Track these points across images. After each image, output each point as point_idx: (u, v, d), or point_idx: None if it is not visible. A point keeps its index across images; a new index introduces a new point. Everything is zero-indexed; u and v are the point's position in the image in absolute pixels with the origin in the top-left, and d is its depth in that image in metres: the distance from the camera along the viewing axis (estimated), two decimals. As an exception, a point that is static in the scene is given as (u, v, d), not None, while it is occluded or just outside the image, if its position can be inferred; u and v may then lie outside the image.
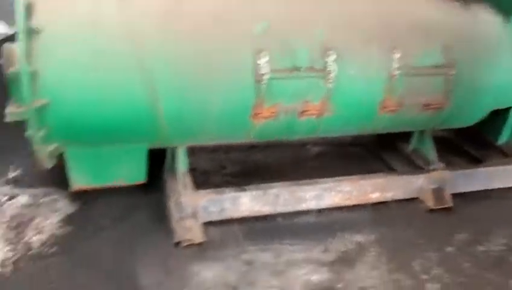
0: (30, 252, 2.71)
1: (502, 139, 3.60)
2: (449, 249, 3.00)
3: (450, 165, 3.52)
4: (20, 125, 2.48)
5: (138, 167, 2.81)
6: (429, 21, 3.10)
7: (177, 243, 2.82)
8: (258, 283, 2.63)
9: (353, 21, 2.94)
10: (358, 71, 2.85)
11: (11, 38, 3.06)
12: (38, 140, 2.43)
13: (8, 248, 2.74)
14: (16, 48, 2.34)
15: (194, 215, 2.93)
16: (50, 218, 2.98)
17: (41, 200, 3.12)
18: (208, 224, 2.97)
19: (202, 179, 3.42)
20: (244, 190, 3.05)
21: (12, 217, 2.97)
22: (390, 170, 3.70)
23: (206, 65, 2.59)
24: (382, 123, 3.11)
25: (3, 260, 2.65)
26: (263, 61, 2.64)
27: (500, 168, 3.62)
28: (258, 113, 2.77)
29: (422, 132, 3.51)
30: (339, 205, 3.24)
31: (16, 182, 3.28)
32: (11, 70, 2.35)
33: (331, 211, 3.24)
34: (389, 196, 3.33)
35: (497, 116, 3.48)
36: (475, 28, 3.19)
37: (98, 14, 2.47)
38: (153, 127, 2.62)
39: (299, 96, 2.79)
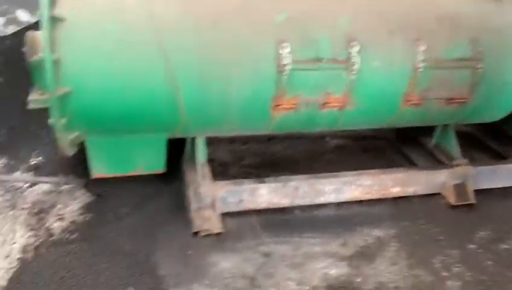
0: (51, 238, 2.76)
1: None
2: (471, 246, 2.94)
3: (472, 160, 3.44)
4: (43, 113, 2.50)
5: (158, 156, 2.82)
6: (456, 12, 3.01)
7: (195, 233, 2.83)
8: (276, 275, 2.62)
9: (377, 11, 2.88)
10: (382, 63, 2.79)
11: (34, 26, 3.10)
12: (60, 128, 2.44)
13: (29, 233, 2.79)
14: (40, 36, 2.36)
15: (213, 205, 2.93)
16: (70, 205, 3.02)
17: (61, 188, 3.16)
18: (226, 215, 2.97)
19: (220, 170, 3.42)
20: (263, 182, 3.03)
21: (34, 204, 3.02)
22: (410, 164, 3.64)
23: (227, 55, 2.57)
24: (405, 117, 3.04)
25: (25, 246, 2.70)
26: (285, 51, 2.60)
27: (525, 164, 3.52)
28: (279, 105, 2.74)
29: (445, 126, 3.44)
30: (358, 198, 3.20)
31: (37, 168, 3.33)
32: (34, 58, 2.36)
33: (351, 205, 3.20)
34: (410, 190, 3.28)
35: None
36: (503, 20, 3.09)
37: (121, 2, 2.46)
38: (173, 117, 2.61)
39: (321, 88, 2.75)
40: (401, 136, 3.89)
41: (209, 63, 2.55)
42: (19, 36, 3.43)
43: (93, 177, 2.81)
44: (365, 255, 2.82)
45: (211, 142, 3.07)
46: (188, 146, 3.12)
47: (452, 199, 3.28)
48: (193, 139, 2.98)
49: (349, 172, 3.20)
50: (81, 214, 2.96)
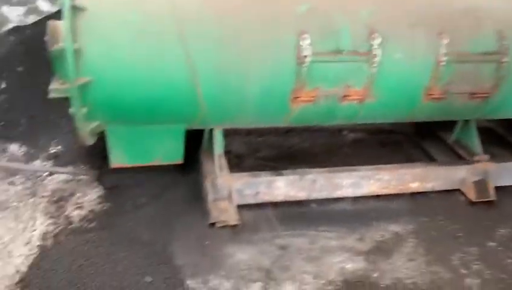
0: (70, 227, 2.79)
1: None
2: (490, 244, 2.89)
3: (492, 156, 3.36)
4: (63, 102, 2.52)
5: (176, 147, 2.82)
6: (481, 5, 2.94)
7: (212, 224, 2.84)
8: (292, 268, 2.62)
9: (400, 3, 2.83)
10: (404, 56, 2.74)
11: (54, 16, 3.12)
12: (81, 117, 2.46)
13: (49, 221, 2.83)
14: (61, 26, 2.37)
15: (229, 197, 2.93)
16: (89, 194, 3.05)
17: (80, 177, 3.18)
18: (243, 207, 2.97)
19: (236, 162, 3.42)
20: (280, 174, 3.02)
21: (54, 192, 3.06)
22: (429, 159, 3.59)
23: (247, 45, 2.55)
24: (426, 111, 2.99)
25: (45, 233, 2.74)
26: (305, 43, 2.57)
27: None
28: (297, 97, 2.71)
29: (466, 121, 3.37)
30: (376, 193, 3.17)
31: (56, 157, 3.36)
32: (55, 47, 2.37)
33: (368, 200, 3.17)
34: (429, 186, 3.23)
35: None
36: (530, 13, 3.00)
37: (142, -7, 2.46)
38: (192, 107, 2.61)
39: (341, 81, 2.71)
40: (420, 131, 3.84)
41: (229, 53, 2.54)
42: (39, 26, 3.48)
43: (112, 167, 2.82)
44: (382, 250, 2.80)
45: (227, 134, 3.07)
46: (205, 137, 3.12)
47: (472, 196, 3.22)
48: (211, 131, 2.98)
49: (368, 166, 3.17)
50: (100, 203, 2.99)
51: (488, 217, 3.13)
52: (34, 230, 2.76)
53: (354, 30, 2.68)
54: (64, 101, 2.48)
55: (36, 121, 3.54)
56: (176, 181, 3.18)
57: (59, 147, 3.43)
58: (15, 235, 2.72)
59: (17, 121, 3.54)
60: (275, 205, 3.04)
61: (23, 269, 2.49)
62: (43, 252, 2.60)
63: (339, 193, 3.12)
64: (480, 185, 3.23)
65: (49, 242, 2.68)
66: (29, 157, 3.36)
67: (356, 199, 3.17)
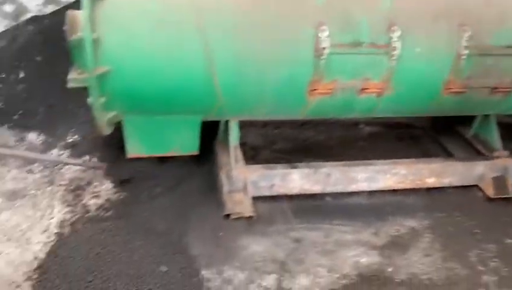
0: (87, 215, 2.83)
1: None
2: (508, 241, 2.85)
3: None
4: (81, 92, 2.54)
5: (192, 138, 2.83)
6: (505, -3, 2.87)
7: (227, 216, 2.85)
8: (307, 261, 2.62)
9: (420, -5, 2.77)
10: (424, 49, 2.70)
11: (73, 5, 3.13)
12: (99, 107, 2.47)
13: (66, 209, 2.87)
14: (80, 15, 2.37)
15: (244, 189, 2.93)
16: (105, 183, 3.08)
17: (97, 166, 3.21)
18: (257, 199, 2.97)
19: (251, 154, 3.42)
20: (295, 167, 3.01)
21: (71, 181, 3.10)
22: (446, 154, 3.54)
23: (265, 36, 2.53)
24: (445, 105, 2.94)
25: (62, 221, 2.78)
26: (324, 35, 2.54)
27: None
28: (315, 90, 2.69)
29: (486, 117, 3.31)
30: (392, 188, 3.14)
31: (73, 146, 3.39)
32: (74, 37, 2.38)
33: (383, 194, 3.15)
34: (445, 181, 3.19)
35: None
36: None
37: (160, -18, 2.45)
38: (210, 98, 2.60)
39: (359, 73, 2.68)
40: (437, 125, 3.78)
41: (247, 44, 2.52)
42: (58, 15, 3.49)
43: (129, 157, 2.84)
44: (397, 245, 2.78)
45: (242, 125, 3.06)
46: (221, 129, 3.12)
47: (490, 192, 3.17)
48: (226, 122, 2.98)
49: (384, 160, 3.14)
50: (116, 192, 3.02)
51: (507, 214, 3.08)
52: (52, 218, 2.80)
53: (373, 22, 2.64)
54: (82, 91, 2.49)
55: (54, 111, 3.58)
56: (191, 172, 3.19)
57: (76, 136, 3.47)
58: (33, 222, 2.76)
59: (35, 111, 3.58)
60: (289, 197, 3.03)
61: (41, 255, 2.53)
62: (61, 240, 2.63)
63: (354, 187, 3.10)
64: (499, 181, 3.18)
65: (67, 230, 2.71)
66: (46, 146, 3.40)
67: (372, 193, 3.14)
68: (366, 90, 2.72)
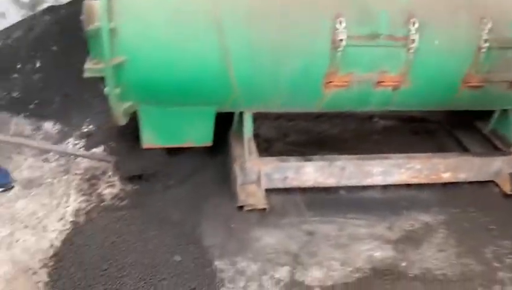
0: (102, 204, 2.85)
1: None
2: (525, 238, 2.82)
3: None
4: (97, 82, 2.55)
5: (206, 129, 2.82)
6: (527, -11, 2.80)
7: (240, 207, 2.85)
8: (320, 254, 2.62)
9: (440, -14, 2.72)
10: (443, 42, 2.65)
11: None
12: (115, 97, 2.48)
13: (82, 198, 2.90)
14: (97, 5, 2.37)
15: (258, 181, 2.93)
16: (120, 173, 3.10)
17: (112, 156, 3.23)
18: (271, 191, 2.97)
19: (265, 146, 3.41)
20: (309, 160, 3.00)
21: (86, 170, 3.13)
22: (462, 149, 3.49)
23: (281, 27, 2.51)
24: (463, 99, 2.89)
25: (78, 210, 2.81)
26: (341, 26, 2.51)
27: None
28: (331, 82, 2.66)
29: (504, 111, 3.25)
30: (406, 182, 3.11)
31: (89, 136, 3.42)
32: (91, 27, 2.39)
33: (398, 188, 3.12)
34: (461, 177, 3.15)
35: None
36: None
37: (177, -28, 2.44)
38: (225, 89, 2.59)
39: (376, 66, 2.65)
40: (453, 120, 3.72)
41: (263, 35, 2.50)
42: (74, 6, 3.51)
43: (144, 147, 2.86)
44: (411, 239, 2.76)
45: (256, 117, 3.05)
46: (235, 120, 3.11)
47: (507, 188, 3.12)
48: (241, 114, 2.97)
49: (399, 154, 3.10)
50: (131, 182, 3.04)
51: (524, 211, 3.04)
52: (68, 206, 2.84)
53: (391, 14, 2.60)
54: (98, 81, 2.51)
55: (70, 100, 3.61)
56: (205, 163, 3.19)
57: (91, 126, 3.49)
58: (49, 210, 2.80)
59: (51, 100, 3.61)
60: (303, 190, 3.03)
61: (57, 243, 2.57)
62: (76, 228, 2.67)
63: (368, 181, 3.08)
64: (517, 177, 3.14)
65: (82, 219, 2.75)
66: (62, 136, 3.43)
67: (386, 187, 3.12)
68: (382, 83, 2.69)
